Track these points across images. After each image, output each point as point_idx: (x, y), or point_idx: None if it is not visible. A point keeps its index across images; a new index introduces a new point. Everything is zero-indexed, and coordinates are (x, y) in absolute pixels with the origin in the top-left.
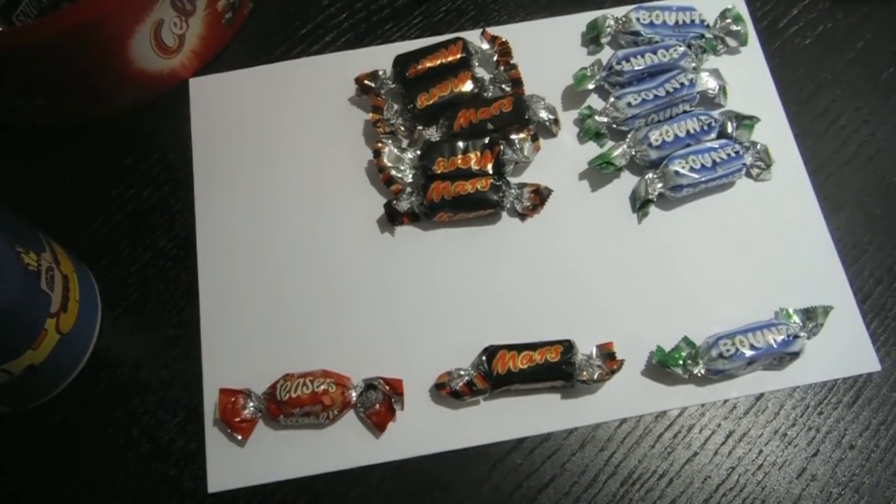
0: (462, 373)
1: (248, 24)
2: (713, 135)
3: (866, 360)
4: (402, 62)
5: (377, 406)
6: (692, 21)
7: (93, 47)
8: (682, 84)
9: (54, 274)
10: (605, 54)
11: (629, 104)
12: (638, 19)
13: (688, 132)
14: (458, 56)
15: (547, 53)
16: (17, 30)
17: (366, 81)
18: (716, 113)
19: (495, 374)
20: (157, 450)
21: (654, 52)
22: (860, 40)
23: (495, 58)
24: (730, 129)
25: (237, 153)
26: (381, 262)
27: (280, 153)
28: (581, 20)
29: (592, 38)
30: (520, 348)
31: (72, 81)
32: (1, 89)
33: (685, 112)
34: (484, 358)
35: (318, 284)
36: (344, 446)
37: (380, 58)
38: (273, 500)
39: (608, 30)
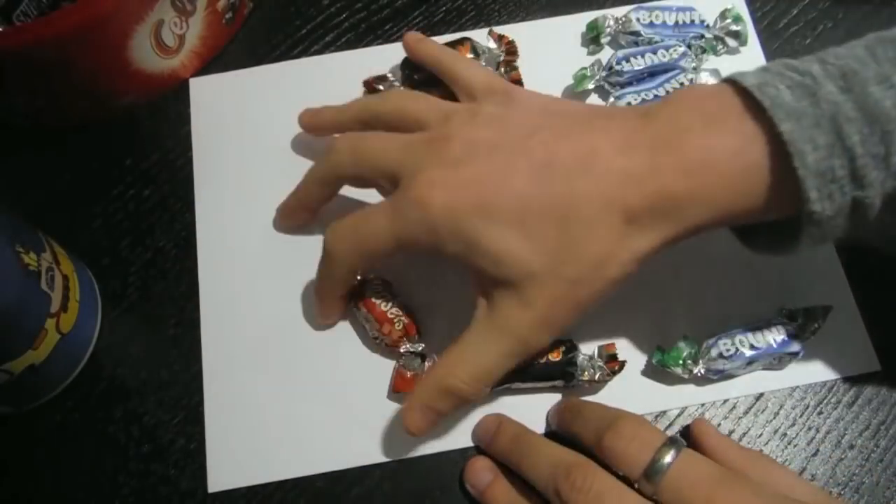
0: None
1: (248, 24)
2: None
3: (866, 360)
4: (410, 65)
5: (409, 374)
6: (692, 21)
7: (93, 47)
8: (681, 84)
9: (54, 274)
10: (605, 54)
11: (629, 104)
12: (638, 19)
13: None
14: (467, 57)
15: (547, 53)
16: (17, 30)
17: (375, 84)
18: None
19: None
20: (157, 450)
21: (655, 53)
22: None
23: (501, 57)
24: None
25: (237, 153)
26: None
27: (281, 153)
28: (581, 20)
29: (592, 38)
30: None
31: (72, 81)
32: (1, 89)
33: None
34: None
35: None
36: (344, 446)
37: (380, 58)
38: (273, 499)
39: (608, 30)
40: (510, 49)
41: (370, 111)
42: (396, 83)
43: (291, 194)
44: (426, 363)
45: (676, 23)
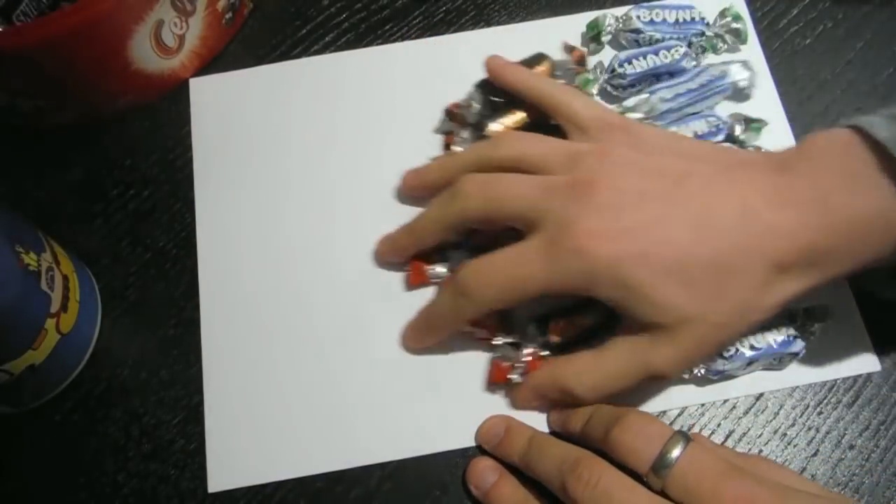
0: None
1: (248, 24)
2: (721, 136)
3: (866, 360)
4: (488, 88)
5: (505, 364)
6: (692, 19)
7: (93, 47)
8: (713, 76)
9: (54, 274)
10: (606, 54)
11: (663, 99)
12: (638, 17)
13: (696, 134)
14: (569, 87)
15: (548, 53)
16: (17, 30)
17: (456, 110)
18: (724, 115)
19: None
20: (157, 450)
21: (656, 54)
22: (860, 40)
23: (573, 71)
24: (738, 132)
25: (237, 153)
26: (388, 263)
27: (281, 153)
28: (581, 20)
29: (593, 37)
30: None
31: (72, 81)
32: (1, 89)
33: (693, 114)
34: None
35: (320, 284)
36: (344, 446)
37: (380, 58)
38: (273, 499)
39: (608, 28)
40: (580, 61)
41: (484, 159)
42: (478, 106)
43: (404, 233)
44: (521, 351)
45: (677, 20)
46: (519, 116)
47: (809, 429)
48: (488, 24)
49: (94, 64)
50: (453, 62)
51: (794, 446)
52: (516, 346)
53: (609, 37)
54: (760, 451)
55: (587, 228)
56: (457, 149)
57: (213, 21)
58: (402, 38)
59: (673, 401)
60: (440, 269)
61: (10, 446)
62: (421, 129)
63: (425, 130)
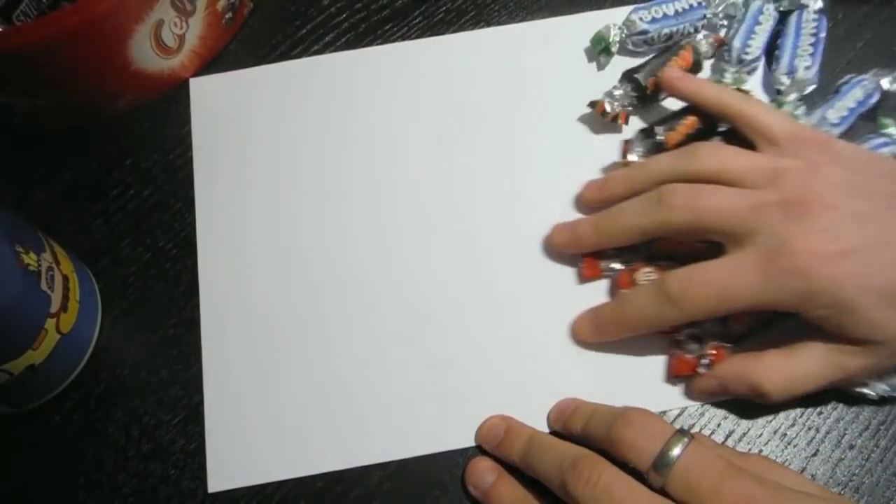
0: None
1: (248, 24)
2: (876, 98)
3: None
4: (637, 81)
5: (688, 357)
6: (690, 6)
7: (92, 47)
8: (815, 16)
9: (54, 274)
10: (620, 61)
11: (806, 67)
12: (641, 19)
13: (857, 102)
14: (690, 64)
15: (547, 53)
16: (17, 30)
17: (630, 149)
18: (868, 75)
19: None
20: (157, 450)
21: (759, 24)
22: (860, 40)
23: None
24: (887, 85)
25: (238, 153)
26: (386, 262)
27: (281, 152)
28: (581, 20)
29: (601, 50)
30: None
31: (71, 81)
32: (1, 89)
33: (846, 83)
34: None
35: (322, 283)
36: (344, 446)
37: (380, 58)
38: (273, 499)
39: (615, 38)
40: (720, 45)
41: (677, 172)
42: (632, 93)
43: (589, 229)
44: (704, 344)
45: (677, 11)
46: (690, 121)
47: (809, 429)
48: (488, 24)
49: (94, 64)
50: (454, 62)
51: (795, 446)
52: (697, 339)
53: (617, 46)
54: (760, 451)
55: (806, 248)
56: (632, 157)
57: (213, 21)
58: (402, 38)
59: (673, 401)
60: (615, 266)
61: (10, 446)
62: (421, 127)
63: (426, 129)
